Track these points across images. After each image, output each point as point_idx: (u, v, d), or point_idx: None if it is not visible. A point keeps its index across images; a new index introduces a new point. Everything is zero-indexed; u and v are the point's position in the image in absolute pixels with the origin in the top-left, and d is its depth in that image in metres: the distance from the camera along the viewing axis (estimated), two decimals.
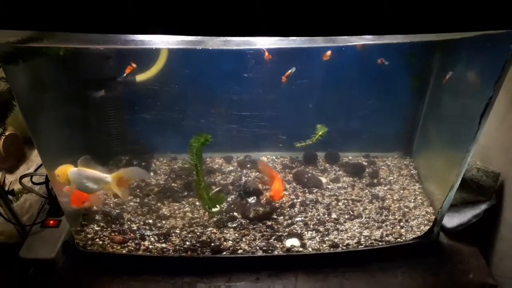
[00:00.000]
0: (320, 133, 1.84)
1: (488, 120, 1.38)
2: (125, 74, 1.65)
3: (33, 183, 1.76)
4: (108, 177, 1.49)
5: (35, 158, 1.95)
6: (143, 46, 1.24)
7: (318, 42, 1.31)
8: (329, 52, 1.62)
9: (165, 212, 1.82)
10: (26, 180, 1.72)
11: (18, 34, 1.13)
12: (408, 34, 1.18)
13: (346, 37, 1.23)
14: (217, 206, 1.85)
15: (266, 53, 1.50)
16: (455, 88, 1.65)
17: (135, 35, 1.15)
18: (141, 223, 1.77)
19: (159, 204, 1.87)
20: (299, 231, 1.75)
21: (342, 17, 1.04)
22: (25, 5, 0.98)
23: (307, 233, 1.74)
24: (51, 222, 1.73)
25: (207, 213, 1.83)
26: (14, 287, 1.60)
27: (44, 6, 0.98)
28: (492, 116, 1.38)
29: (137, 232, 1.72)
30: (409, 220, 1.81)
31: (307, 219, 1.81)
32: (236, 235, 1.72)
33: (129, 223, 1.76)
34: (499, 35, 1.19)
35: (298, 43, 1.23)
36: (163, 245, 1.67)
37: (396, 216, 1.83)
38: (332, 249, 1.68)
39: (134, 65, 1.63)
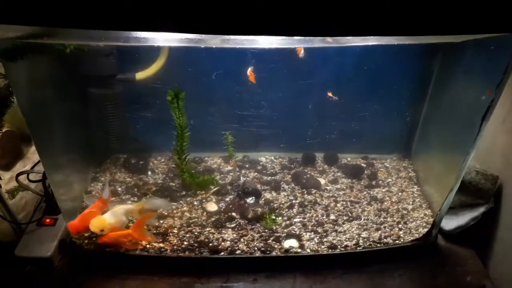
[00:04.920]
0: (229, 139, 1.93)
1: (488, 123, 1.38)
2: None
3: (30, 180, 1.74)
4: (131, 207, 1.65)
5: (31, 155, 1.93)
6: (144, 44, 1.23)
7: (320, 42, 1.31)
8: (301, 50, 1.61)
9: (163, 212, 1.81)
10: (22, 178, 1.70)
11: (18, 29, 1.12)
12: (410, 36, 1.19)
13: (349, 37, 1.22)
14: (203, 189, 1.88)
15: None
16: (455, 91, 1.66)
17: (137, 32, 1.14)
18: None
19: None
20: (297, 232, 1.74)
21: (344, 17, 1.04)
22: (26, 0, 0.97)
23: (306, 234, 1.73)
24: (48, 220, 1.71)
25: (205, 213, 1.82)
26: (10, 286, 1.58)
27: (45, 1, 0.97)
28: (491, 119, 1.38)
29: None
30: (407, 222, 1.81)
31: (305, 220, 1.81)
32: (234, 235, 1.71)
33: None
34: (501, 38, 1.19)
35: (300, 43, 1.23)
36: (161, 244, 1.66)
37: (395, 218, 1.83)
38: (330, 250, 1.67)
39: None
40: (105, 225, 1.56)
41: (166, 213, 1.80)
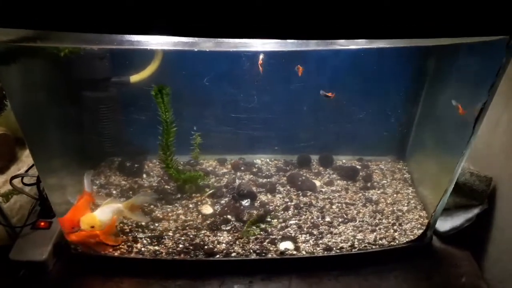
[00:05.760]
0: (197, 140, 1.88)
1: (481, 124, 1.39)
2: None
3: (24, 184, 1.74)
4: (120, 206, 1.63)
5: (26, 159, 1.92)
6: (138, 47, 1.23)
7: (314, 45, 1.31)
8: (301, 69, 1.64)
9: (158, 215, 1.81)
10: (17, 181, 1.69)
11: (11, 33, 1.11)
12: (404, 39, 1.19)
13: (343, 40, 1.23)
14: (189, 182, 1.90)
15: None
16: (449, 93, 1.67)
17: (131, 36, 1.14)
18: (134, 225, 1.75)
19: (151, 206, 1.85)
20: (293, 234, 1.74)
21: (339, 21, 1.05)
22: (19, 3, 0.97)
23: (301, 236, 1.73)
24: (42, 223, 1.70)
25: (200, 215, 1.82)
26: None
27: (39, 4, 0.97)
28: (485, 120, 1.39)
29: (129, 234, 1.71)
30: (402, 224, 1.81)
31: (301, 222, 1.81)
32: (230, 238, 1.71)
33: (121, 225, 1.75)
34: (493, 41, 1.20)
35: (294, 46, 1.23)
36: (156, 247, 1.66)
37: (390, 220, 1.83)
38: (325, 252, 1.68)
39: None
40: (95, 221, 1.55)
41: (161, 216, 1.80)
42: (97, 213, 1.58)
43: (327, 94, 1.68)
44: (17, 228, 1.70)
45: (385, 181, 2.09)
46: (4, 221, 1.68)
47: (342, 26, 1.06)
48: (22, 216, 1.79)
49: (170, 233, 1.72)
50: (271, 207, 1.88)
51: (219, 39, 1.18)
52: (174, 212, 1.83)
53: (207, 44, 1.21)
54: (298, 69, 1.64)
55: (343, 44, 1.33)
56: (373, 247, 1.71)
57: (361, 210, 1.88)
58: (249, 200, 1.89)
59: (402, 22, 1.07)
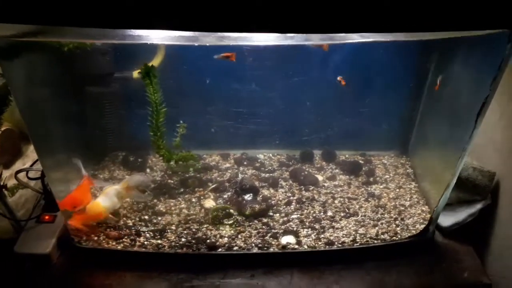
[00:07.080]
0: (181, 130, 1.85)
1: (484, 119, 1.38)
2: None
3: (29, 178, 1.76)
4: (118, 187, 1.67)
5: (31, 153, 1.94)
6: (140, 42, 1.24)
7: (315, 39, 1.31)
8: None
9: (161, 209, 1.82)
10: (21, 175, 1.71)
11: (13, 28, 1.12)
12: (405, 33, 1.19)
13: (344, 34, 1.22)
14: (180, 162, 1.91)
15: None
16: (451, 87, 1.66)
17: (132, 30, 1.15)
18: (137, 219, 1.76)
19: (155, 200, 1.86)
20: (295, 229, 1.75)
21: (340, 14, 1.05)
22: None
23: (303, 231, 1.74)
24: (47, 217, 1.72)
25: (203, 209, 1.83)
26: (9, 282, 1.60)
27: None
28: (488, 115, 1.38)
29: (132, 228, 1.72)
30: (404, 219, 1.81)
31: (303, 216, 1.81)
32: (232, 232, 1.72)
33: (124, 219, 1.76)
34: (495, 35, 1.19)
35: (295, 40, 1.23)
36: (159, 241, 1.67)
37: (392, 215, 1.83)
38: (327, 246, 1.68)
39: None
40: (100, 208, 1.59)
41: (164, 210, 1.81)
42: (101, 200, 1.61)
43: (340, 80, 1.69)
44: (22, 221, 1.72)
45: (387, 176, 2.09)
46: (10, 214, 1.70)
47: (343, 20, 1.06)
48: (27, 210, 1.82)
49: (173, 227, 1.73)
50: (273, 202, 1.88)
51: (219, 33, 1.18)
52: (177, 206, 1.84)
53: (207, 39, 1.21)
54: (340, 80, 1.67)
55: (344, 38, 1.33)
56: (375, 241, 1.71)
57: (363, 205, 1.89)
58: (251, 194, 1.90)
59: (403, 16, 1.07)
